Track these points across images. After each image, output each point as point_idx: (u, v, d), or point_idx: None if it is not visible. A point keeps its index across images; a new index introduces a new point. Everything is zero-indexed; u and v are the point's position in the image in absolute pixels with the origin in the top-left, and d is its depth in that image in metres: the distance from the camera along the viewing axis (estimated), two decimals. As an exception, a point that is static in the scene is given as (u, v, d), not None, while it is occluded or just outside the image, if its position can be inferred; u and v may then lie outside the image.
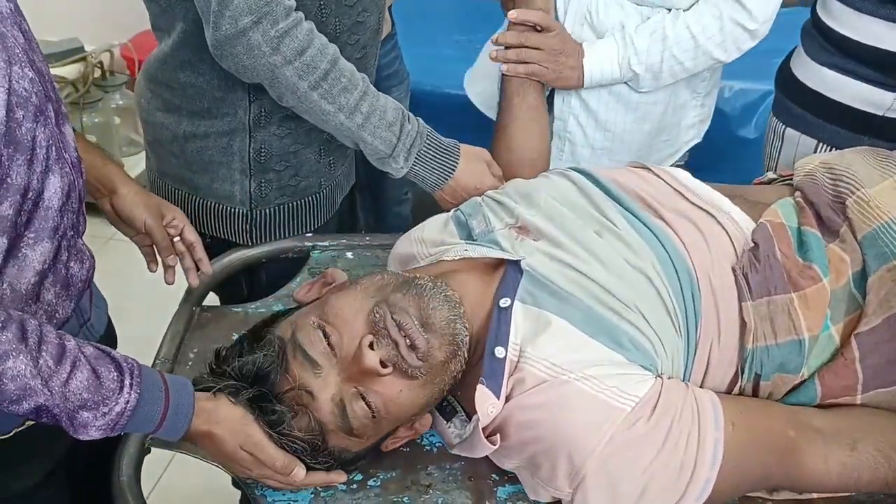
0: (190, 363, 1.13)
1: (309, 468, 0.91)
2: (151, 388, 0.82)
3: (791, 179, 1.17)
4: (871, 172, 1.08)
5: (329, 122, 1.17)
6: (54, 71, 2.67)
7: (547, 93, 1.41)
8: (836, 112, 1.38)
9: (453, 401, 1.01)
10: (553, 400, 0.89)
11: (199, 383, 0.91)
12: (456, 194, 1.25)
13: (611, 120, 1.41)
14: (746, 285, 0.97)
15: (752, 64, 2.07)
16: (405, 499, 0.95)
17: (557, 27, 1.33)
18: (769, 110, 1.57)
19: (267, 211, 1.33)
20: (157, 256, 1.19)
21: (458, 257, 1.05)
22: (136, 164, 2.93)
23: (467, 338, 0.94)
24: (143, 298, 1.79)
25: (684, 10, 1.32)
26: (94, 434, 0.79)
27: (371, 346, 0.89)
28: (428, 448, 1.02)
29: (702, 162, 1.56)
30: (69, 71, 2.80)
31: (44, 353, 0.75)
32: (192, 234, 1.19)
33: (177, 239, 1.18)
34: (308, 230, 1.38)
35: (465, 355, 0.95)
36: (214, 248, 1.32)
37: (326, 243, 1.37)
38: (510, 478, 0.97)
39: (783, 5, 1.35)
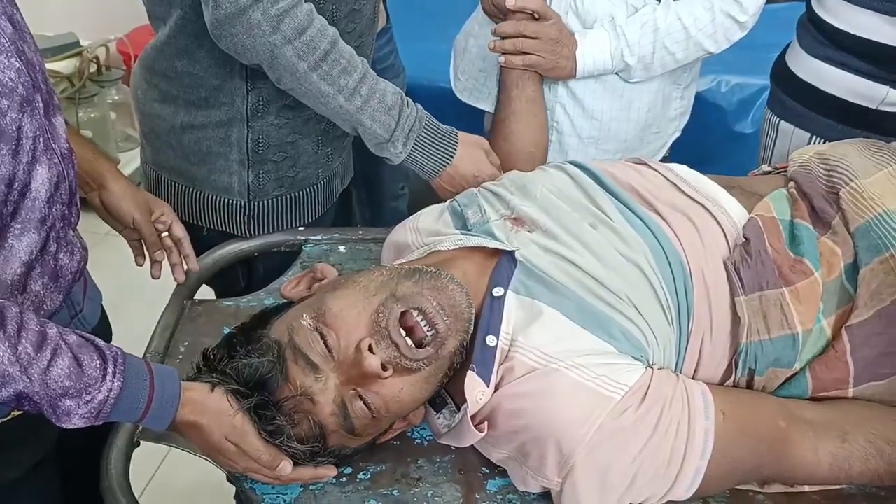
0: (181, 356, 1.13)
1: (298, 464, 0.91)
2: (136, 377, 0.81)
3: (786, 171, 1.17)
4: (866, 163, 1.08)
5: (328, 105, 1.16)
6: (50, 66, 2.67)
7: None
8: (830, 105, 1.38)
9: (443, 391, 1.00)
10: (542, 388, 0.89)
11: (193, 377, 0.91)
12: (454, 182, 1.24)
13: (597, 108, 1.41)
14: (739, 280, 0.97)
15: (749, 58, 2.07)
16: (395, 492, 0.95)
17: (554, 16, 1.33)
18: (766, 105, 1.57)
19: (265, 202, 1.32)
20: (145, 251, 1.19)
21: (453, 247, 1.04)
22: (133, 160, 2.92)
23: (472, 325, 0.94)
24: (139, 293, 1.78)
25: (674, 0, 1.32)
26: (77, 422, 0.79)
27: (370, 348, 0.88)
28: (418, 441, 1.02)
29: (699, 156, 1.56)
30: (65, 66, 2.80)
31: (23, 341, 0.74)
32: (180, 230, 1.19)
33: (165, 234, 1.18)
34: (305, 222, 1.38)
35: (467, 343, 0.94)
36: (212, 239, 1.32)
37: (319, 237, 1.36)
38: (500, 471, 0.97)
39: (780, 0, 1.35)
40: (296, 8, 1.09)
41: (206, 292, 1.34)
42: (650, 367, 0.92)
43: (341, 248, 1.35)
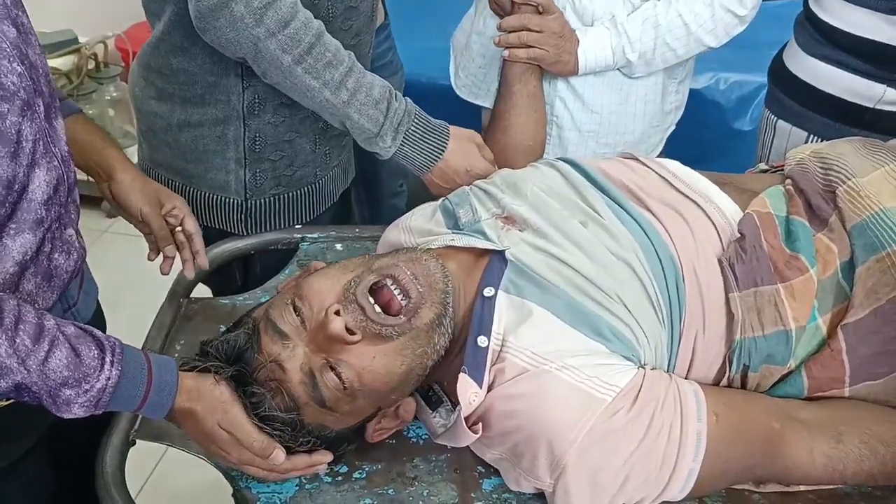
0: (177, 355, 1.13)
1: (291, 452, 0.90)
2: (133, 366, 0.82)
3: (782, 170, 1.16)
4: (863, 162, 1.07)
5: (314, 99, 1.15)
6: (48, 62, 2.66)
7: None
8: (827, 104, 1.37)
9: (439, 390, 1.01)
10: (533, 390, 0.89)
11: (185, 364, 0.91)
12: (446, 177, 1.23)
13: (597, 102, 1.42)
14: (733, 276, 0.96)
15: (748, 56, 2.07)
16: (390, 491, 0.95)
17: (558, 11, 1.34)
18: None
19: (262, 201, 1.32)
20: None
21: (443, 246, 1.04)
22: (131, 157, 2.89)
23: (451, 309, 0.94)
24: (136, 291, 1.78)
25: None
26: (77, 411, 0.79)
27: (337, 312, 0.89)
28: (414, 440, 1.02)
29: (697, 153, 1.56)
30: (63, 62, 2.81)
31: (21, 333, 0.75)
32: (192, 225, 1.17)
33: (178, 228, 1.17)
34: (303, 221, 1.38)
35: (450, 329, 0.94)
36: (209, 237, 1.31)
37: (316, 235, 1.36)
38: (496, 470, 0.97)
39: (778, -3, 1.35)
40: (279, 1, 1.08)
41: (202, 290, 1.34)
42: (642, 366, 0.92)
43: (338, 246, 1.35)
